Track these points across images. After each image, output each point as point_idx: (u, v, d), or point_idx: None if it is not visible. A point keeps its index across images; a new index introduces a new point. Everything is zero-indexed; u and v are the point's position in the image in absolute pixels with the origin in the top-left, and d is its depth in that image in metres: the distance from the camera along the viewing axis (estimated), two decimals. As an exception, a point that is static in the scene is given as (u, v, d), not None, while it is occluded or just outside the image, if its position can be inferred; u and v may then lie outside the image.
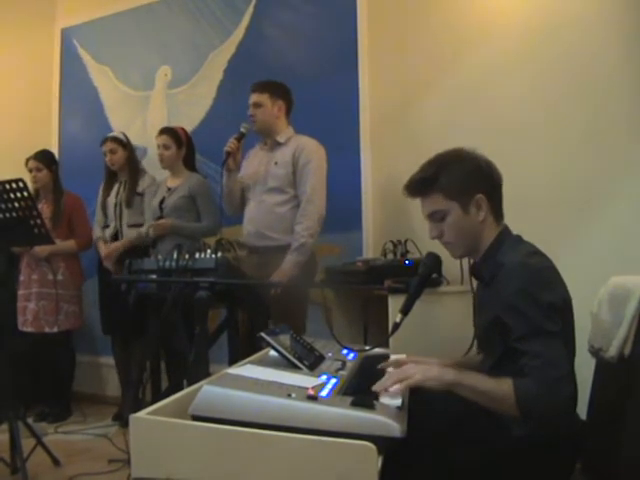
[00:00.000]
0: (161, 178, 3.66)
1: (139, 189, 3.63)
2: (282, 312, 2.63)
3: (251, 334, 2.74)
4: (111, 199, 3.69)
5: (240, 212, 3.04)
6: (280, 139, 2.92)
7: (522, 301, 1.34)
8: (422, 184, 1.54)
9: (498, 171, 1.55)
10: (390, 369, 1.54)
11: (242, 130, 2.89)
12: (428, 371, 1.37)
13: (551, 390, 1.27)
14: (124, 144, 3.71)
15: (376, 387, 1.32)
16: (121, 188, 3.69)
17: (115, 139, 3.70)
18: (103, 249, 3.63)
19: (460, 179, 1.50)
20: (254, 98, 2.90)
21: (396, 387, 1.30)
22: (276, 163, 2.87)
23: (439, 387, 1.33)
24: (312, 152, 2.85)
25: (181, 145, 3.47)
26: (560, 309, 1.37)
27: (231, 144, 2.85)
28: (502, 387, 1.30)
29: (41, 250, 3.55)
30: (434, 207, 1.53)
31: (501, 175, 1.55)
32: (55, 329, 3.59)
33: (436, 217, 1.54)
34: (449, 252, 1.59)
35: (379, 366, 1.62)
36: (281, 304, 2.63)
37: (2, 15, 4.72)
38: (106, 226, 3.70)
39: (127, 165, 3.69)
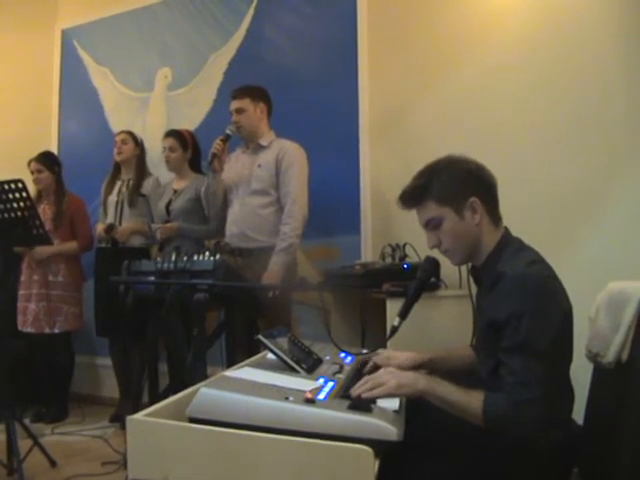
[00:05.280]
0: (163, 179, 3.67)
1: (143, 190, 3.63)
2: (271, 312, 2.69)
3: (249, 336, 2.74)
4: (112, 197, 3.69)
5: (222, 213, 3.08)
6: (263, 142, 2.97)
7: (518, 314, 1.33)
8: (414, 193, 1.55)
9: (490, 173, 1.54)
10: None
11: (228, 132, 2.93)
12: (402, 378, 1.37)
13: (518, 411, 1.28)
14: (136, 140, 3.75)
15: (351, 391, 1.33)
16: (124, 187, 3.69)
17: (129, 132, 3.76)
18: (102, 228, 3.62)
19: (451, 184, 1.50)
20: (236, 104, 2.94)
21: (371, 394, 1.31)
22: (259, 166, 2.91)
23: (412, 394, 1.35)
24: (295, 155, 2.90)
25: (187, 147, 3.48)
26: (559, 323, 1.36)
27: (217, 145, 2.88)
28: (472, 401, 1.32)
29: (42, 251, 3.55)
30: (429, 215, 1.53)
31: (494, 177, 1.55)
32: (55, 330, 3.60)
33: (432, 225, 1.54)
34: (449, 259, 1.59)
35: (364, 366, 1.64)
36: (271, 305, 2.67)
37: (2, 16, 4.72)
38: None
39: (135, 163, 3.71)
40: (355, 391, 1.32)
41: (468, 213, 1.49)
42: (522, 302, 1.34)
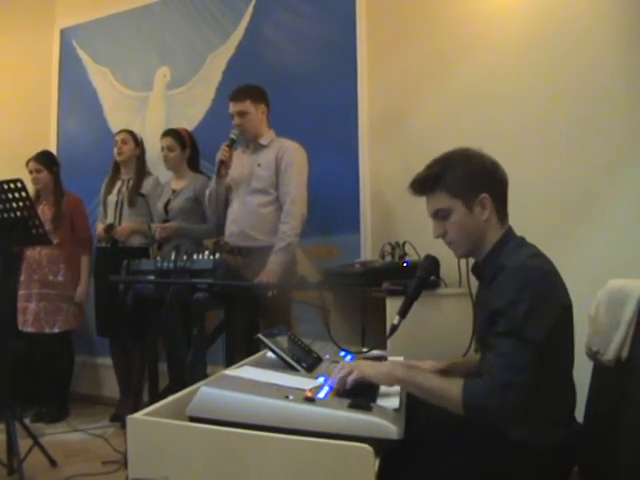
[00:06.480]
0: (163, 178, 3.68)
1: (143, 190, 3.63)
2: (271, 312, 2.71)
3: (249, 335, 2.74)
4: (112, 197, 3.69)
5: (223, 215, 3.07)
6: (263, 142, 2.96)
7: (515, 301, 1.33)
8: (427, 182, 1.54)
9: (503, 171, 1.55)
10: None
11: (232, 137, 2.91)
12: (379, 367, 1.40)
13: (499, 396, 1.26)
14: (137, 140, 3.76)
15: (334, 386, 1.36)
16: (123, 187, 3.69)
17: (130, 131, 3.76)
18: (102, 228, 3.63)
19: (465, 177, 1.50)
20: (237, 107, 2.91)
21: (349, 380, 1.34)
22: (259, 165, 2.91)
23: (389, 383, 1.37)
24: (294, 154, 2.90)
25: (185, 146, 3.49)
26: (556, 315, 1.36)
27: (224, 152, 2.86)
28: (451, 387, 1.31)
29: (83, 293, 3.69)
30: (438, 205, 1.53)
31: (506, 175, 1.55)
32: (55, 329, 3.60)
33: (440, 215, 1.54)
34: (452, 251, 1.59)
35: None
36: (271, 304, 2.67)
37: (1, 16, 4.72)
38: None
39: (135, 163, 3.71)
40: (336, 377, 1.35)
41: (477, 208, 1.50)
42: (520, 291, 1.34)
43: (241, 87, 2.97)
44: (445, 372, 1.63)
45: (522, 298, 1.33)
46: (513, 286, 1.36)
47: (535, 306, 1.32)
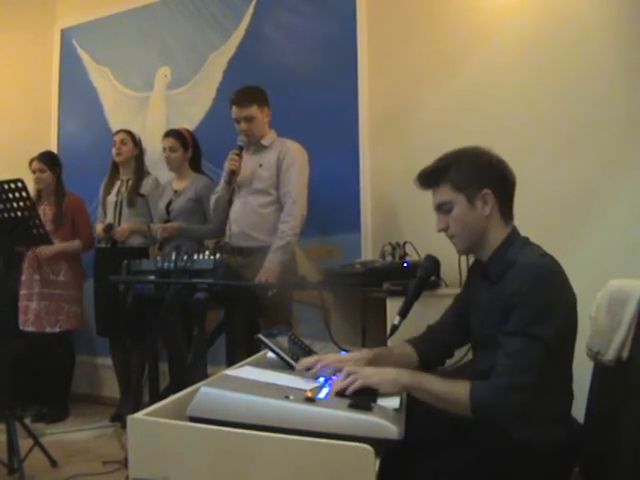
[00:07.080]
0: (162, 178, 3.68)
1: (142, 190, 3.63)
2: (272, 312, 2.71)
3: (249, 335, 2.74)
4: (111, 197, 3.69)
5: (222, 215, 3.06)
6: (265, 142, 2.96)
7: (524, 301, 1.34)
8: (433, 175, 1.56)
9: (511, 171, 1.55)
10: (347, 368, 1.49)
11: (240, 144, 2.89)
12: (383, 374, 1.38)
13: (503, 395, 1.27)
14: (135, 140, 3.75)
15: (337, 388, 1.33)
16: (123, 187, 3.69)
17: (128, 131, 3.76)
18: (101, 227, 3.62)
19: (469, 172, 1.51)
20: (244, 112, 2.88)
21: (352, 388, 1.31)
22: (261, 165, 2.91)
23: (395, 391, 1.34)
24: (296, 155, 2.90)
25: (187, 147, 3.48)
26: (565, 315, 1.37)
27: (235, 161, 2.84)
28: (458, 391, 1.31)
29: (46, 250, 3.55)
30: (442, 198, 1.54)
31: (514, 175, 1.56)
32: (56, 329, 3.60)
33: (443, 209, 1.55)
34: (454, 246, 1.60)
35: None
36: (271, 304, 2.67)
37: (2, 16, 4.71)
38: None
39: (134, 164, 3.71)
40: (339, 387, 1.32)
41: (479, 203, 1.51)
42: (531, 290, 1.34)
43: (244, 90, 2.94)
44: (372, 362, 1.59)
45: (533, 297, 1.34)
46: (524, 285, 1.36)
47: (546, 305, 1.33)
